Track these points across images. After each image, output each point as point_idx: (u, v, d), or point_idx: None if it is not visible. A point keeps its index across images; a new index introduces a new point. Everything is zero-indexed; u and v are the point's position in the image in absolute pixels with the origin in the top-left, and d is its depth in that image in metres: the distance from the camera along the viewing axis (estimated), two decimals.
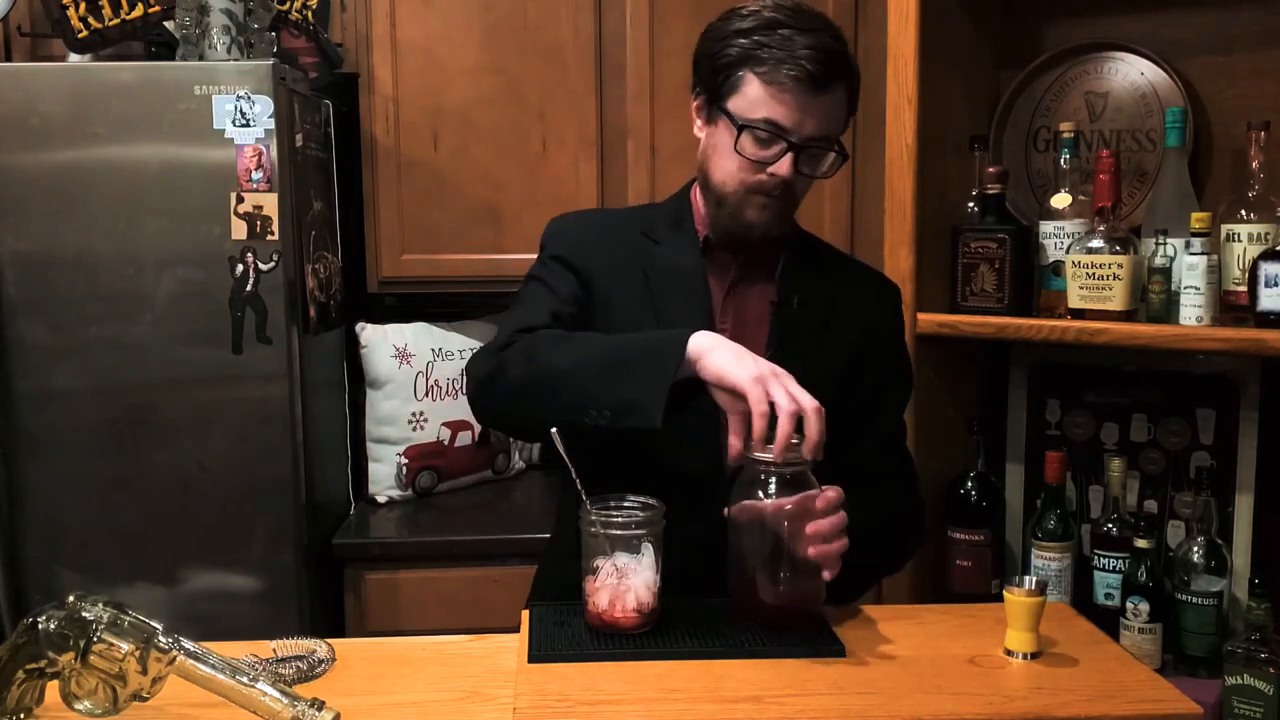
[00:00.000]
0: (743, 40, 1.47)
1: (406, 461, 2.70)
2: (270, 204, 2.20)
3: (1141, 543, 1.90)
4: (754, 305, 1.59)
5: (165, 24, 2.38)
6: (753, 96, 1.46)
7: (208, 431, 2.25)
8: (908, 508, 1.65)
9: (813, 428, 1.30)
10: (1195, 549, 1.91)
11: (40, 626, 1.16)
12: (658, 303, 1.56)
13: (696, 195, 1.62)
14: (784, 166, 1.47)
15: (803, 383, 1.34)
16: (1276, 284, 1.74)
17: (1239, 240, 1.81)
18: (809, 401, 1.31)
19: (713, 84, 1.51)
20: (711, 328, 1.47)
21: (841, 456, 1.46)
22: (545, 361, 1.42)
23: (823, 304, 1.59)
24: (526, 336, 1.48)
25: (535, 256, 1.64)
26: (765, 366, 1.33)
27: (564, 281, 1.58)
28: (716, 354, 1.34)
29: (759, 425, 1.30)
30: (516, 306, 1.60)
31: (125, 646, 1.15)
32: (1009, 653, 1.34)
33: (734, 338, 1.43)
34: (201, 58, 2.28)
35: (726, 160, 1.50)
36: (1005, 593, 1.34)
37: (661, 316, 1.54)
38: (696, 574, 1.43)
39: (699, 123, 1.56)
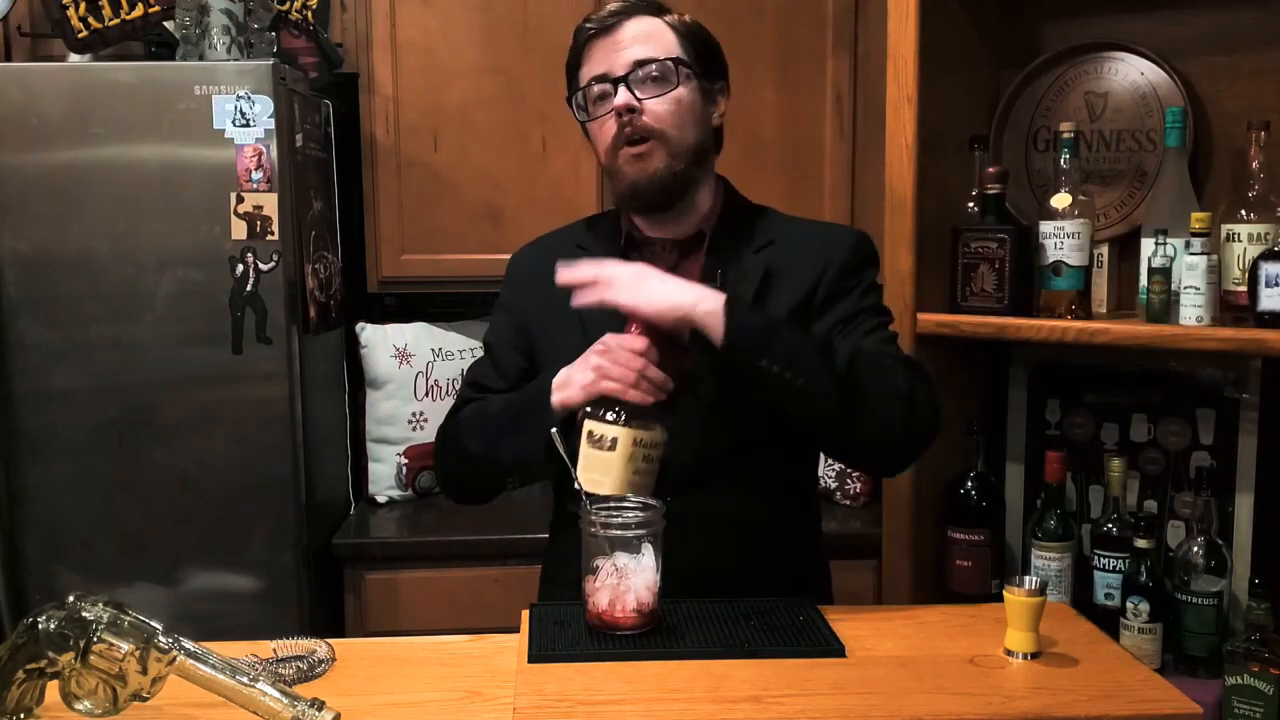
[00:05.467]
0: (570, 50, 1.62)
1: (406, 461, 2.70)
2: (270, 204, 2.20)
3: (1141, 543, 1.90)
4: None
5: (165, 24, 2.38)
6: (582, 73, 1.59)
7: (208, 431, 2.25)
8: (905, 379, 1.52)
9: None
10: (1195, 549, 1.91)
11: (40, 626, 1.16)
12: (580, 312, 1.54)
13: None
14: (621, 96, 1.53)
15: None
16: (1276, 284, 1.74)
17: (1239, 240, 1.81)
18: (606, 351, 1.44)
19: (571, 92, 1.62)
20: (618, 320, 1.52)
21: None
22: (463, 448, 1.62)
23: (758, 275, 1.58)
24: (456, 418, 1.66)
25: None
26: (577, 367, 1.46)
27: (504, 331, 1.70)
28: (560, 392, 1.47)
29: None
30: (475, 363, 1.77)
31: (125, 646, 1.15)
32: (1009, 653, 1.34)
33: None
34: (201, 58, 2.28)
35: (596, 138, 1.59)
36: (1005, 593, 1.34)
37: (586, 324, 1.55)
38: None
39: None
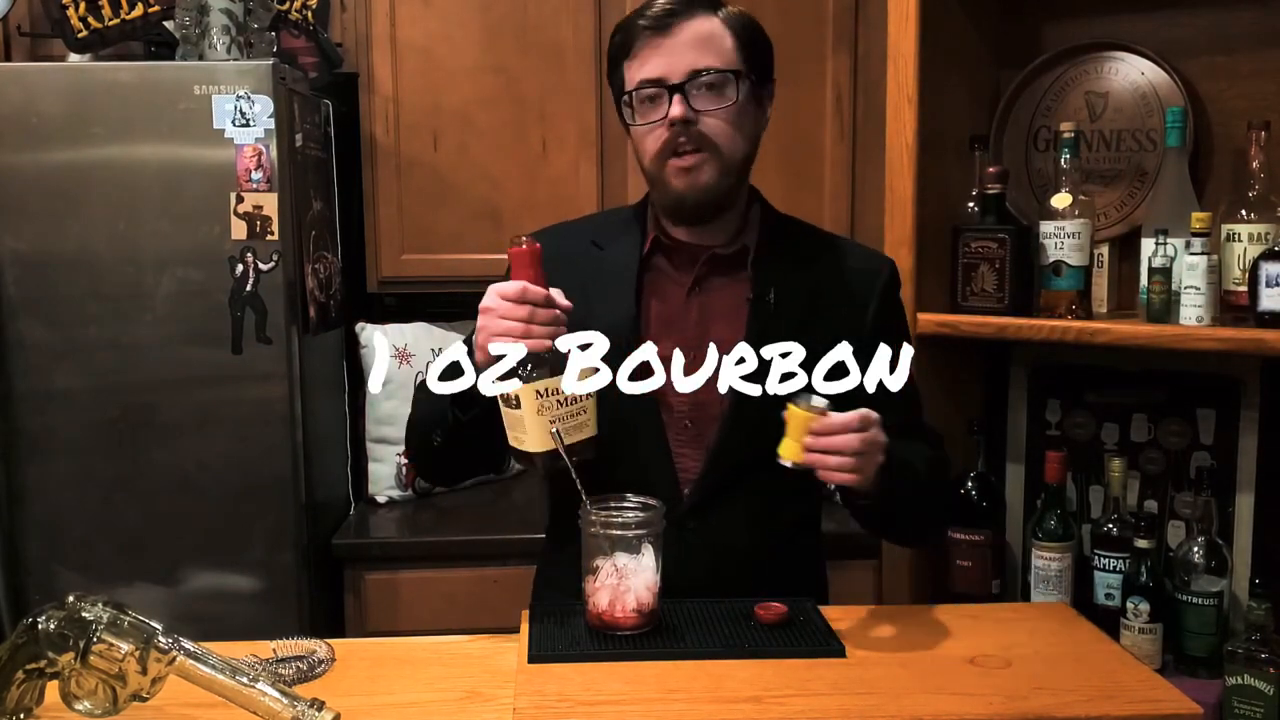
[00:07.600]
0: (616, 38, 1.55)
1: (406, 462, 2.69)
2: (270, 204, 2.20)
3: (1142, 543, 1.90)
4: (723, 299, 1.56)
5: (165, 24, 2.38)
6: (630, 74, 1.51)
7: (208, 431, 2.25)
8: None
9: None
10: (1195, 549, 1.91)
11: (40, 626, 1.16)
12: (592, 310, 1.51)
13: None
14: (676, 108, 1.45)
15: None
16: (1277, 284, 1.74)
17: (1239, 240, 1.81)
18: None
19: (614, 90, 1.57)
20: (635, 323, 1.53)
21: None
22: (412, 417, 1.63)
23: (806, 294, 1.56)
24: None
25: None
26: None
27: None
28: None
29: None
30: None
31: (125, 646, 1.15)
32: (777, 457, 1.36)
33: (699, 332, 1.53)
34: (201, 58, 2.28)
35: (641, 142, 1.52)
36: (789, 404, 1.36)
37: (590, 321, 1.49)
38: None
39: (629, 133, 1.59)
